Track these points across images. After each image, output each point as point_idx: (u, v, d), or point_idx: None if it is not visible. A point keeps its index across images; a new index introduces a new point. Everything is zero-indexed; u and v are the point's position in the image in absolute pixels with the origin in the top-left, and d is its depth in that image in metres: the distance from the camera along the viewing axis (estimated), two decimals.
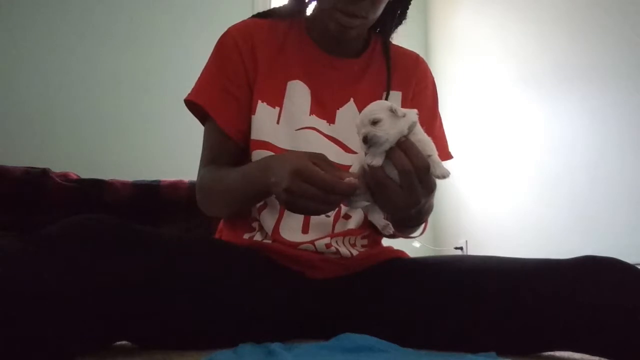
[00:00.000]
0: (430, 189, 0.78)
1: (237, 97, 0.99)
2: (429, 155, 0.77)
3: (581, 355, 0.82)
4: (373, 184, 0.77)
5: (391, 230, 0.83)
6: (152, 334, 0.78)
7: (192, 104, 1.01)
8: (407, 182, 0.75)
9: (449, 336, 0.85)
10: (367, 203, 0.80)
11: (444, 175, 0.77)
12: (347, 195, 0.77)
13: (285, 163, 0.78)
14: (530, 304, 0.80)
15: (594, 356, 0.80)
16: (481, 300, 0.83)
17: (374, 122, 0.75)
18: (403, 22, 1.10)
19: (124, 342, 0.81)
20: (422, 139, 0.78)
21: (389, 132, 0.75)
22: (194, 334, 0.81)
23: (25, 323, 0.61)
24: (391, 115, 0.75)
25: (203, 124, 1.05)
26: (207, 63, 1.03)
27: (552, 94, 2.96)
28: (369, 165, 0.76)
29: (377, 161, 0.76)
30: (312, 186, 0.74)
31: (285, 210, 0.96)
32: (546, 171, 2.95)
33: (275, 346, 0.75)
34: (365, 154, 0.77)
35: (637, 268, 0.80)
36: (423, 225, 0.98)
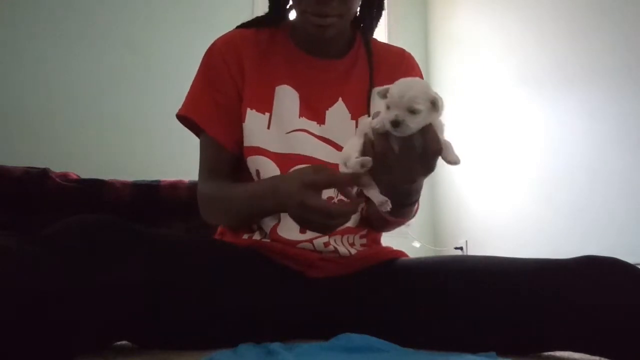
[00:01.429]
0: (429, 170, 0.79)
1: (227, 108, 1.01)
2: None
3: (581, 355, 0.82)
4: (374, 152, 0.78)
5: (389, 207, 0.82)
6: (152, 334, 0.78)
7: (184, 118, 1.03)
8: (407, 158, 0.77)
9: (449, 336, 0.85)
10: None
11: (456, 161, 0.77)
12: (351, 214, 0.82)
13: (291, 195, 0.81)
14: (530, 304, 0.80)
15: (594, 356, 0.80)
16: (480, 300, 0.83)
17: (412, 111, 0.74)
18: (382, 15, 1.09)
19: (124, 342, 0.81)
20: (438, 125, 0.78)
21: (420, 124, 0.74)
22: (194, 334, 0.81)
23: (25, 323, 0.61)
24: (430, 108, 0.75)
25: (198, 136, 1.06)
26: (196, 77, 1.05)
27: (552, 94, 2.96)
28: (373, 130, 0.77)
29: (381, 127, 0.76)
30: (319, 216, 0.79)
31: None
32: (546, 171, 2.95)
33: (275, 346, 0.75)
34: (373, 117, 0.79)
35: (637, 268, 0.80)
36: (415, 208, 0.99)
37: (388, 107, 0.75)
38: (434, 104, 0.75)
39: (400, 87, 0.75)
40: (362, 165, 0.78)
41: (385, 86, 0.78)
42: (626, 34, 2.63)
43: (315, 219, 0.80)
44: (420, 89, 0.75)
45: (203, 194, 1.01)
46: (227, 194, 0.98)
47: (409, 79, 0.77)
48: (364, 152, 0.80)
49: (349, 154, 0.81)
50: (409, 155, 0.77)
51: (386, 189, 0.84)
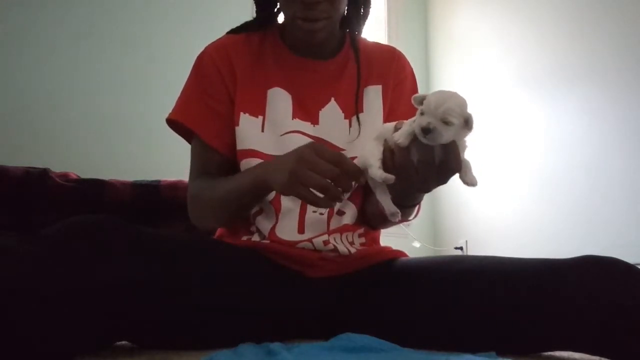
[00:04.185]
0: (444, 182, 0.81)
1: (219, 113, 1.01)
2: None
3: (581, 355, 0.82)
4: (393, 163, 0.79)
5: (399, 218, 0.85)
6: (152, 334, 0.78)
7: (174, 122, 1.03)
8: (424, 170, 0.79)
9: (448, 336, 0.85)
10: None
11: (473, 183, 0.78)
12: (356, 174, 0.80)
13: (297, 149, 0.82)
14: (530, 304, 0.80)
15: (594, 356, 0.80)
16: (481, 300, 0.83)
17: (445, 122, 0.74)
18: (369, 13, 1.09)
19: (124, 342, 0.81)
20: (462, 145, 0.80)
21: (449, 139, 0.75)
22: (193, 334, 0.81)
23: (26, 323, 0.61)
24: (463, 125, 0.76)
25: (188, 142, 1.06)
26: (186, 83, 1.05)
27: (552, 94, 2.96)
28: (396, 144, 0.78)
29: (404, 141, 0.77)
30: (322, 158, 0.78)
31: (281, 213, 0.96)
32: (546, 171, 2.95)
33: (275, 346, 0.75)
34: (396, 127, 0.80)
35: (637, 268, 0.80)
36: (417, 209, 0.99)
37: (422, 114, 0.76)
38: (467, 122, 0.76)
39: (438, 96, 0.75)
40: (384, 181, 0.80)
41: (422, 94, 0.78)
42: (626, 34, 2.63)
43: (321, 166, 0.78)
44: (457, 103, 0.75)
45: (190, 194, 1.01)
46: (215, 181, 0.98)
47: (448, 91, 0.77)
48: (383, 160, 0.81)
49: (368, 161, 0.82)
50: (427, 169, 0.79)
51: (396, 193, 0.86)
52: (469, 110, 0.77)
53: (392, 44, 3.11)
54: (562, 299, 0.78)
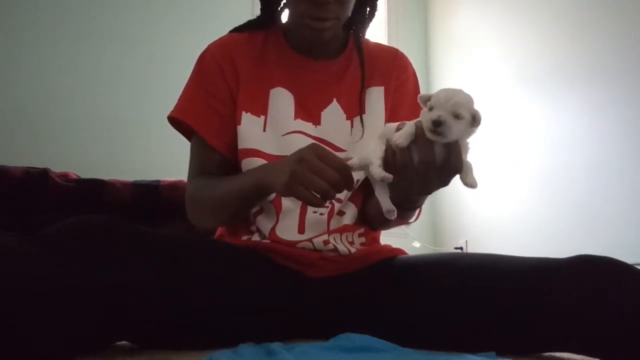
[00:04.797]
0: (445, 183, 0.81)
1: (220, 112, 1.01)
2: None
3: (582, 357, 0.82)
4: (395, 163, 0.80)
5: (394, 216, 0.85)
6: (152, 334, 0.78)
7: (175, 121, 1.03)
8: (425, 171, 0.78)
9: (448, 336, 0.85)
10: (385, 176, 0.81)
11: (473, 185, 0.78)
12: (351, 184, 0.81)
13: (299, 151, 0.82)
14: (529, 303, 0.80)
15: (593, 357, 0.80)
16: (480, 300, 0.83)
17: (456, 115, 0.74)
18: (375, 15, 1.09)
19: (124, 342, 0.81)
20: (464, 145, 0.80)
21: (458, 135, 0.76)
22: (194, 334, 0.81)
23: (25, 323, 0.61)
24: (471, 121, 0.76)
25: (188, 140, 1.06)
26: (188, 81, 1.05)
27: (552, 94, 2.96)
28: (395, 144, 0.78)
29: (403, 142, 0.78)
30: (324, 162, 0.78)
31: (282, 213, 0.96)
32: (546, 171, 2.95)
33: (275, 346, 0.75)
34: (398, 128, 0.80)
35: (634, 268, 0.79)
36: (417, 211, 0.99)
37: (430, 109, 0.76)
38: (474, 118, 0.76)
39: (447, 92, 0.76)
40: (383, 179, 0.80)
41: (428, 93, 0.79)
42: (626, 34, 2.63)
43: (322, 169, 0.78)
44: (466, 98, 0.77)
45: (189, 193, 1.01)
46: (215, 180, 0.98)
47: (455, 88, 0.78)
48: (385, 159, 0.81)
49: (370, 158, 0.82)
50: (428, 169, 0.79)
51: (397, 194, 0.86)
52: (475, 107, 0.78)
53: (392, 44, 3.11)
54: (560, 299, 0.78)
